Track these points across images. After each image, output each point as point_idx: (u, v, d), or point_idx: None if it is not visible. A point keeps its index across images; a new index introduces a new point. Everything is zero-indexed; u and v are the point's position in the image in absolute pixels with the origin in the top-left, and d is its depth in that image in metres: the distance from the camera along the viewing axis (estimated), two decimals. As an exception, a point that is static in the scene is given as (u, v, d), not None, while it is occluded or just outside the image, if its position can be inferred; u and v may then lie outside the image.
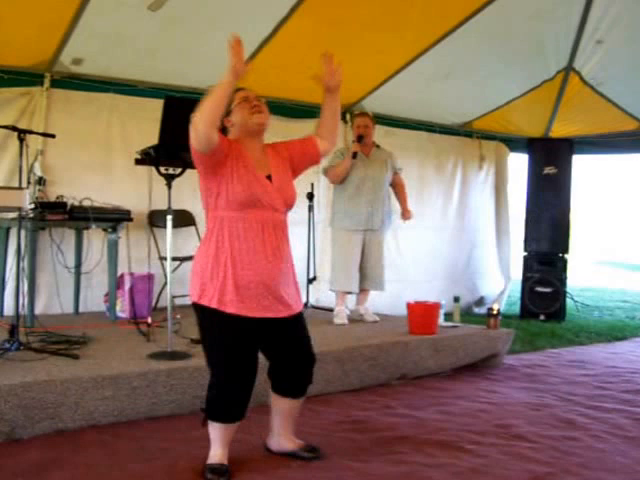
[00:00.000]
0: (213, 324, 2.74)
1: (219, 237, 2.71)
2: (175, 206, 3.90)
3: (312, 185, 5.95)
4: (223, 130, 2.82)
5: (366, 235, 5.34)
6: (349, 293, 5.41)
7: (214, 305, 2.69)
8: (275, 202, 2.76)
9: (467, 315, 7.07)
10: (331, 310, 5.37)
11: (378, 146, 5.51)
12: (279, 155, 2.90)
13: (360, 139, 5.28)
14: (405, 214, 5.57)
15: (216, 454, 2.81)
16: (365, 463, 2.97)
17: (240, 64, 2.55)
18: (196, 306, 2.78)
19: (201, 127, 2.57)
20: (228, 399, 2.76)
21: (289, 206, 2.85)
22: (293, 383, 2.92)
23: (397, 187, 5.64)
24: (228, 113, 2.80)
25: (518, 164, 8.65)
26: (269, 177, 2.79)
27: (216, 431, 2.80)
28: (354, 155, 5.22)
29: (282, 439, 3.00)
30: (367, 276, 5.38)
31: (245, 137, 2.81)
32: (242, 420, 2.82)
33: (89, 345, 4.02)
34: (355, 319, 5.38)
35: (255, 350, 2.81)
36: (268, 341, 2.84)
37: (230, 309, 2.68)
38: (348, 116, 6.77)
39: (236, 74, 2.56)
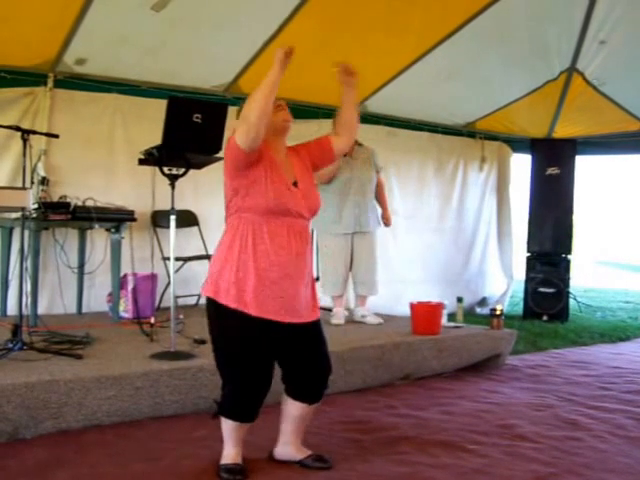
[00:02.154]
0: (230, 324, 2.69)
1: (243, 238, 2.68)
2: (178, 206, 3.90)
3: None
4: None
5: (355, 238, 5.29)
6: (340, 296, 5.38)
7: (233, 305, 2.65)
8: (302, 210, 2.76)
9: (470, 315, 7.06)
10: (331, 310, 5.37)
11: (360, 144, 5.39)
12: (301, 159, 2.88)
13: None
14: (386, 220, 5.51)
15: (230, 453, 2.80)
16: (368, 463, 2.97)
17: (285, 55, 2.62)
18: (212, 302, 2.72)
19: (254, 119, 2.56)
20: (242, 400, 2.74)
21: (314, 213, 2.85)
22: (309, 389, 2.86)
23: (377, 187, 5.50)
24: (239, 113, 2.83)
25: (521, 165, 8.65)
26: (295, 183, 2.78)
27: (228, 429, 2.79)
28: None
29: (291, 448, 2.93)
30: (360, 281, 5.36)
31: (271, 137, 2.77)
32: (254, 421, 2.80)
33: (92, 345, 4.02)
34: (356, 321, 5.36)
35: (272, 354, 2.76)
36: (285, 346, 2.78)
37: (251, 310, 2.65)
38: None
39: (282, 64, 2.62)
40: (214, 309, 2.72)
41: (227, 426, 2.79)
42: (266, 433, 3.04)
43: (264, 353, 2.73)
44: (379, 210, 5.53)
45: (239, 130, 2.62)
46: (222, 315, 2.70)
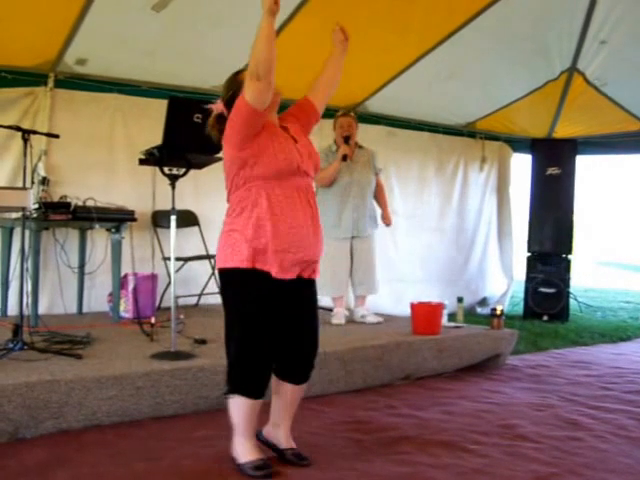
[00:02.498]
0: (245, 285, 2.72)
1: (256, 204, 2.69)
2: (179, 206, 3.90)
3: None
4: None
5: (353, 241, 5.30)
6: (340, 297, 5.38)
7: (246, 265, 2.67)
8: (308, 167, 2.82)
9: (470, 316, 7.06)
10: (331, 310, 5.37)
11: (361, 146, 5.41)
12: (293, 123, 2.92)
13: (347, 140, 5.21)
14: (386, 220, 5.52)
15: (247, 448, 2.79)
16: (368, 463, 2.97)
17: (273, 2, 2.57)
18: (224, 272, 2.77)
19: (264, 72, 2.56)
20: (252, 370, 2.75)
21: (317, 170, 2.91)
22: (297, 367, 2.90)
23: (377, 188, 5.50)
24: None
25: (522, 165, 8.66)
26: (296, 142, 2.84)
27: (241, 414, 2.76)
28: (344, 158, 5.14)
29: (279, 431, 2.94)
30: (359, 282, 5.36)
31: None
32: (262, 398, 2.78)
33: (93, 345, 4.02)
34: (356, 321, 5.36)
35: (279, 316, 2.78)
36: (289, 305, 2.80)
37: (271, 269, 2.68)
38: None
39: (272, 12, 2.57)
40: (227, 277, 2.77)
41: (239, 412, 2.77)
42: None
43: (276, 313, 2.76)
44: (378, 211, 5.52)
45: (249, 89, 2.62)
46: (236, 278, 2.73)
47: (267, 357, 2.78)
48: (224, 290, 2.84)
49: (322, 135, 5.85)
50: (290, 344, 2.86)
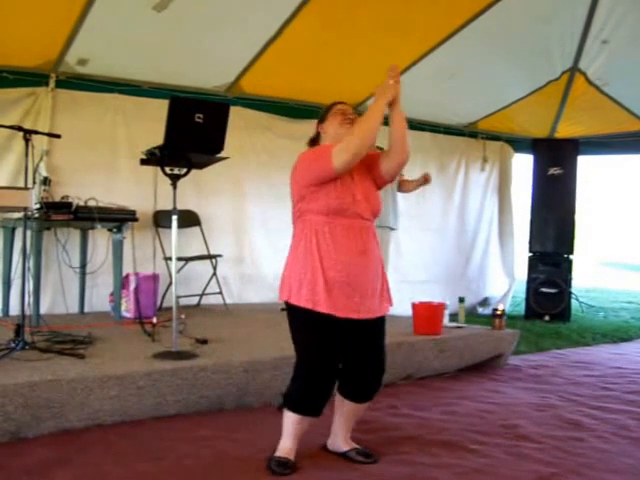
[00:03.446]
0: (304, 323, 2.81)
1: (307, 240, 2.78)
2: (180, 206, 3.90)
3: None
4: (317, 137, 2.97)
5: None
6: None
7: (304, 304, 2.75)
8: (362, 212, 2.82)
9: (471, 316, 7.05)
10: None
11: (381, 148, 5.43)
12: (362, 164, 2.88)
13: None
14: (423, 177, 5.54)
15: (285, 447, 2.86)
16: (370, 463, 2.97)
17: (395, 93, 2.79)
18: (287, 304, 2.84)
19: (362, 152, 2.72)
20: (310, 393, 2.82)
21: (376, 215, 2.91)
22: (360, 388, 2.96)
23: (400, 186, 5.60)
24: (322, 119, 2.95)
25: (523, 165, 8.65)
26: (356, 186, 2.86)
27: (290, 423, 2.85)
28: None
29: (339, 440, 3.04)
30: None
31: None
32: (317, 416, 2.85)
33: (94, 345, 4.02)
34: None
35: (340, 348, 2.84)
36: (350, 340, 2.86)
37: (321, 308, 2.74)
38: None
39: (388, 101, 2.78)
40: (290, 310, 2.85)
41: (289, 419, 2.85)
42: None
43: (335, 347, 2.82)
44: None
45: (339, 155, 2.70)
46: (297, 314, 2.81)
47: (328, 383, 2.84)
48: (288, 315, 2.89)
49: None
50: (354, 368, 2.91)
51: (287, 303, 2.84)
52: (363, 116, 2.78)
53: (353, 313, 2.78)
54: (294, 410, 2.83)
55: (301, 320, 2.81)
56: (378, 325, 2.91)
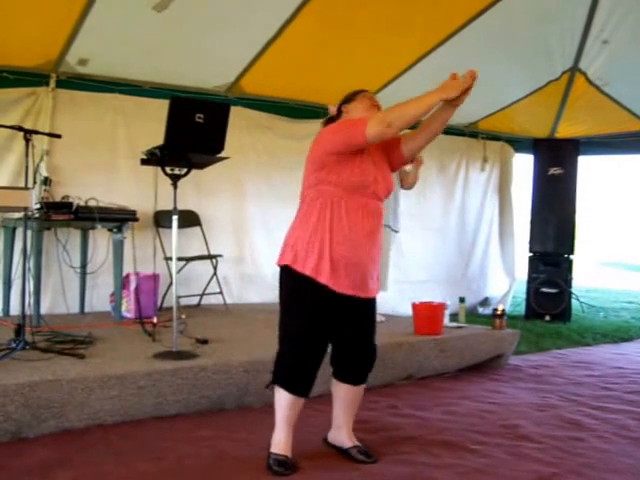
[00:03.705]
0: (302, 290, 2.80)
1: (322, 212, 2.78)
2: (180, 206, 3.90)
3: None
4: (338, 114, 3.01)
5: None
6: None
7: (308, 272, 2.75)
8: (378, 192, 2.87)
9: (472, 316, 7.05)
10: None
11: None
12: (379, 147, 2.95)
13: None
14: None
15: (280, 440, 2.86)
16: (370, 463, 2.97)
17: (455, 95, 2.75)
18: (287, 269, 2.82)
19: (397, 130, 2.74)
20: (300, 369, 2.82)
21: (388, 195, 2.97)
22: (355, 369, 2.98)
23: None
24: (348, 100, 2.98)
25: (523, 165, 8.65)
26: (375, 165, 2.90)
27: (281, 405, 2.84)
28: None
29: (341, 432, 3.04)
30: None
31: None
32: (305, 397, 2.86)
33: (95, 345, 4.02)
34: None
35: (332, 324, 2.85)
36: (345, 317, 2.88)
37: (323, 279, 2.75)
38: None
39: (443, 98, 2.74)
40: (290, 276, 2.82)
41: (280, 402, 2.85)
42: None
43: (329, 321, 2.84)
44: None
45: (375, 125, 2.70)
46: (298, 282, 2.79)
47: (317, 358, 2.85)
48: (283, 286, 2.88)
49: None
50: (348, 347, 2.94)
51: (287, 268, 2.81)
52: (412, 99, 2.76)
53: (354, 290, 2.81)
54: (285, 386, 2.82)
55: (300, 288, 2.80)
56: (371, 304, 2.96)
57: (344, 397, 3.01)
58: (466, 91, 2.81)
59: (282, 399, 2.85)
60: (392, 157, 2.99)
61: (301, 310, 2.81)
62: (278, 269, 2.90)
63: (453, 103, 2.82)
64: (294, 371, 2.83)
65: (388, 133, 2.72)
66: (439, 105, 2.81)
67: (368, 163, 2.84)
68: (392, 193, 5.47)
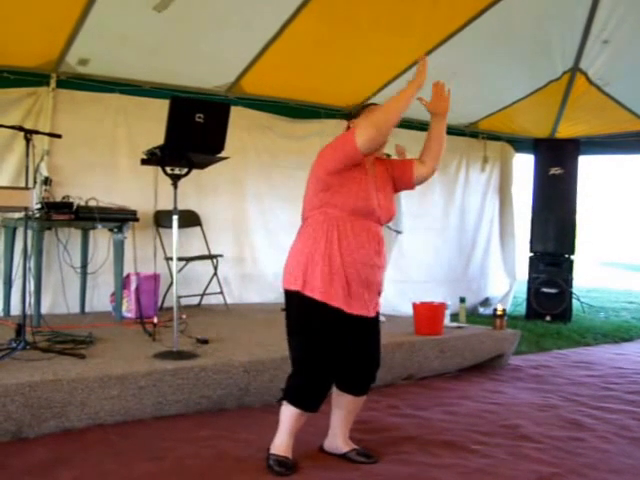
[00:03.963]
0: (313, 314, 2.80)
1: (329, 233, 2.80)
2: (181, 206, 3.90)
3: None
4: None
5: None
6: None
7: (319, 297, 2.76)
8: (381, 217, 2.92)
9: (472, 316, 7.05)
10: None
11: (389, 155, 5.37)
12: (385, 172, 3.00)
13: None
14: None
15: (282, 443, 2.86)
16: (370, 463, 2.97)
17: (424, 81, 2.81)
18: (297, 294, 2.82)
19: (385, 129, 2.77)
20: (312, 388, 2.83)
21: (389, 220, 3.02)
22: (357, 381, 3.00)
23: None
24: (355, 115, 2.99)
25: (524, 165, 8.64)
26: (378, 190, 2.92)
27: (287, 417, 2.85)
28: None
29: (338, 440, 3.05)
30: None
31: None
32: (315, 412, 2.86)
33: (95, 345, 4.02)
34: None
35: (342, 343, 2.86)
36: (352, 336, 2.88)
37: (335, 303, 2.77)
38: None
39: (419, 88, 2.81)
40: (299, 301, 2.82)
41: (288, 414, 2.86)
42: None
43: (340, 341, 2.84)
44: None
45: (362, 132, 2.75)
46: (309, 306, 2.80)
47: (328, 378, 2.87)
48: (293, 310, 2.89)
49: (323, 134, 5.87)
50: (351, 363, 2.94)
51: (296, 293, 2.81)
52: (391, 97, 2.82)
53: (363, 310, 2.85)
54: (295, 404, 2.83)
55: (311, 312, 2.80)
56: (376, 320, 2.99)
57: (345, 407, 3.02)
58: (446, 99, 2.98)
59: (290, 412, 2.86)
60: (403, 178, 3.04)
61: (312, 333, 2.82)
62: (283, 288, 2.90)
63: (437, 112, 3.00)
64: (306, 391, 2.84)
65: (378, 136, 2.76)
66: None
67: (372, 190, 2.86)
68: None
